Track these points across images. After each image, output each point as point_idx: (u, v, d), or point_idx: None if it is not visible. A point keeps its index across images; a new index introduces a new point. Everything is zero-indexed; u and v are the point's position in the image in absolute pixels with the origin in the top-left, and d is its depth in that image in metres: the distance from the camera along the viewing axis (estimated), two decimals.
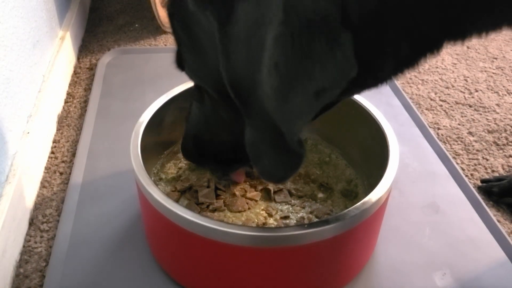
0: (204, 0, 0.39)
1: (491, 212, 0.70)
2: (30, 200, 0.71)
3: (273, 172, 0.46)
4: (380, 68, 0.39)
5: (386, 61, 0.38)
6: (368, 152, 0.66)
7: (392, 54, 0.38)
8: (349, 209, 0.50)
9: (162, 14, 1.14)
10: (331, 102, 0.47)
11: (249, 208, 0.63)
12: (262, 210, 0.63)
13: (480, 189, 0.77)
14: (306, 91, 0.35)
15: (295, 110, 0.36)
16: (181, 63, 0.49)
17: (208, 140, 0.56)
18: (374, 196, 0.52)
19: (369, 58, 0.37)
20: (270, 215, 0.62)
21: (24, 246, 0.66)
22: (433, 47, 0.38)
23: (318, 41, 0.33)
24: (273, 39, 0.34)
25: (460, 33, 0.38)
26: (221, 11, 0.38)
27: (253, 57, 0.37)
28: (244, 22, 0.36)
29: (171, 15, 0.46)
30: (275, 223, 0.61)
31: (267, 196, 0.64)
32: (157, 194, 0.52)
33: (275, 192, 0.65)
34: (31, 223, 0.69)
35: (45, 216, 0.70)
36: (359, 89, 0.44)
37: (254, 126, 0.43)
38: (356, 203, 0.51)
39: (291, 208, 0.64)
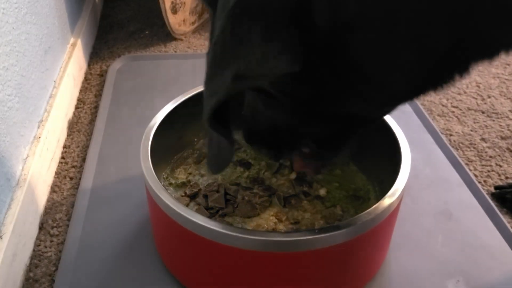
0: None
1: (505, 219, 0.69)
2: (40, 204, 0.71)
3: (210, 161, 0.50)
4: (390, 84, 0.38)
5: (395, 76, 0.37)
6: (380, 158, 0.65)
7: (400, 69, 0.36)
8: (360, 214, 0.49)
9: (172, 20, 1.15)
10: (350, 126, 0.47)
11: (259, 214, 0.62)
12: (272, 215, 0.62)
13: (493, 196, 0.76)
14: (227, 72, 0.36)
15: (213, 87, 0.38)
16: None
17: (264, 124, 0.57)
18: (385, 202, 0.51)
19: (371, 70, 0.36)
20: (280, 220, 0.61)
21: (34, 251, 0.66)
22: (460, 67, 0.36)
23: (252, 30, 0.33)
24: (221, 21, 0.35)
25: (487, 52, 0.36)
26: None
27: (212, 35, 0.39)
28: (218, 6, 0.38)
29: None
30: (285, 229, 0.60)
31: (277, 201, 0.64)
32: (167, 199, 0.52)
33: (285, 198, 0.65)
34: (41, 227, 0.69)
35: (55, 221, 0.70)
36: (367, 107, 0.42)
37: None
38: (367, 209, 0.51)
39: (301, 214, 0.63)
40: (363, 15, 0.33)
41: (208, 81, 0.38)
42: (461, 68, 0.36)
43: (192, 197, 0.65)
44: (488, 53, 0.36)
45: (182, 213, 0.50)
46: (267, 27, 0.33)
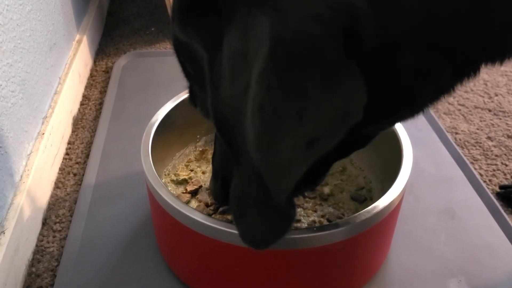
0: (190, 29, 0.35)
1: (509, 219, 0.68)
2: (43, 200, 0.72)
3: (255, 234, 0.40)
4: (417, 96, 0.36)
5: (423, 87, 0.35)
6: (382, 156, 0.65)
7: (428, 80, 0.34)
8: (360, 212, 0.49)
9: None
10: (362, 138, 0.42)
11: None
12: None
13: (498, 195, 0.75)
14: (295, 139, 0.29)
15: (282, 162, 0.30)
16: (193, 99, 0.45)
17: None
18: (386, 200, 0.50)
19: (402, 84, 0.34)
20: None
21: (36, 246, 0.66)
22: (470, 70, 0.36)
23: (310, 79, 0.27)
24: (258, 77, 0.29)
25: (499, 54, 0.35)
26: (208, 42, 0.33)
27: (237, 96, 0.31)
28: (228, 55, 0.31)
29: (176, 51, 0.41)
30: None
31: None
32: (166, 196, 0.52)
33: None
34: (44, 223, 0.70)
35: (58, 217, 0.71)
36: (393, 120, 0.40)
37: (240, 175, 0.37)
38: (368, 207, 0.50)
39: (302, 212, 0.63)
40: (407, 32, 0.31)
41: (265, 153, 0.30)
42: (472, 71, 0.36)
43: (193, 193, 0.65)
44: (500, 55, 0.35)
45: (181, 210, 0.50)
46: (325, 72, 0.27)
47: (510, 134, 0.88)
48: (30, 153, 0.70)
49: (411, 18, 0.30)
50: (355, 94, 0.28)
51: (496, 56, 0.35)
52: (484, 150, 0.84)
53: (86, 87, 1.01)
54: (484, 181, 0.77)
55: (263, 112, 0.29)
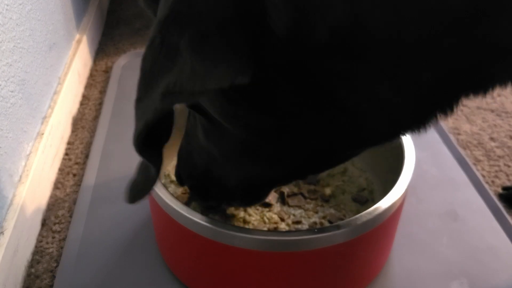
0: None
1: None
2: (43, 201, 0.71)
3: (131, 191, 0.44)
4: (369, 120, 0.33)
5: (377, 118, 0.33)
6: (384, 157, 0.64)
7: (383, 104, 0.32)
8: (361, 214, 0.48)
9: None
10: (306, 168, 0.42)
11: (261, 212, 0.62)
12: (275, 214, 0.61)
13: (501, 196, 0.74)
14: (155, 90, 0.30)
15: (142, 109, 0.33)
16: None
17: (197, 167, 0.51)
18: (387, 201, 0.50)
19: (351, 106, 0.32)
20: (282, 220, 0.61)
21: (36, 247, 0.66)
22: (445, 104, 0.32)
23: (183, 37, 0.29)
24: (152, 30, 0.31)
25: (480, 87, 0.32)
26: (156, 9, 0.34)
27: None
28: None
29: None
30: (287, 228, 0.60)
31: (280, 200, 0.63)
32: (166, 196, 0.51)
33: (288, 196, 0.64)
34: (44, 223, 0.69)
35: (57, 217, 0.70)
36: (355, 147, 0.39)
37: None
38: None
39: (304, 213, 0.62)
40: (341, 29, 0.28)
41: (138, 103, 0.33)
42: (447, 104, 0.32)
43: None
44: (483, 87, 0.32)
45: (181, 211, 0.49)
46: (197, 35, 0.28)
47: None
48: (29, 154, 0.70)
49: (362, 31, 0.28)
50: (227, 66, 0.29)
51: (479, 89, 0.32)
52: (486, 151, 0.84)
53: (85, 87, 1.01)
54: (487, 182, 0.77)
55: (143, 64, 0.31)
